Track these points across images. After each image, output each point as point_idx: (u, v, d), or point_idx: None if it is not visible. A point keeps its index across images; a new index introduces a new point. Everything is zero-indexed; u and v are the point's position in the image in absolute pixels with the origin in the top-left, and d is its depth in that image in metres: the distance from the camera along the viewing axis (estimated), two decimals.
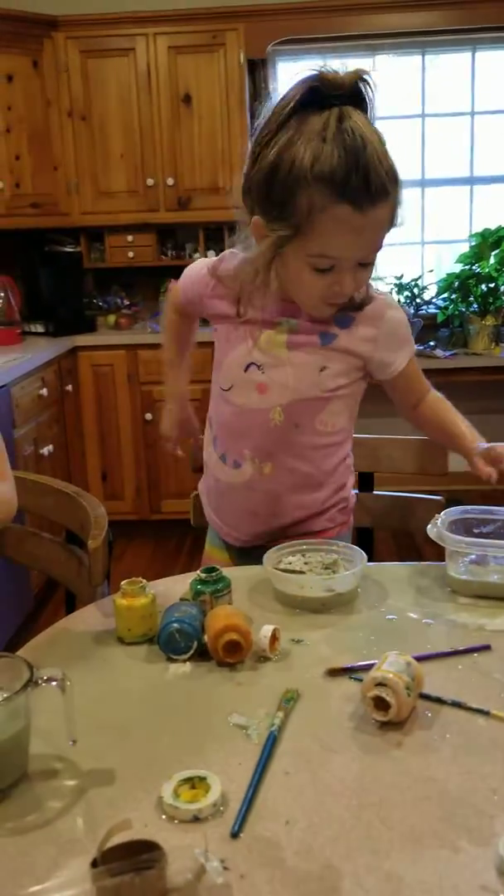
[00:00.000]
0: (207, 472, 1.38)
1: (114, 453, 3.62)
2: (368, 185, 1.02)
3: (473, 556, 1.14)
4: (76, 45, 3.49)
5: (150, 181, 3.58)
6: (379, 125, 1.07)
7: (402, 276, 3.72)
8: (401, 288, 3.70)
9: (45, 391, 3.14)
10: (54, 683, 0.77)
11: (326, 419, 1.26)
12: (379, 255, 1.13)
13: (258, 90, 3.61)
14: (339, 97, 1.03)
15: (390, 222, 1.09)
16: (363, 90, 1.05)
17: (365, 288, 1.22)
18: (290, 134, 1.03)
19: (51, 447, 3.16)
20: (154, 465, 3.60)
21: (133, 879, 0.60)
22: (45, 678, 0.77)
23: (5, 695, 0.76)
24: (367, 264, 1.11)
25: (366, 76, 1.04)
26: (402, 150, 3.77)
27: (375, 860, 0.66)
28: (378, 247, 1.11)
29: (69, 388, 3.46)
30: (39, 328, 3.63)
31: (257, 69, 3.60)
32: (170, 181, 3.57)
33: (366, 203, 1.03)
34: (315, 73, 1.03)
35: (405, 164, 3.98)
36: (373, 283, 1.25)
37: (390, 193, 1.05)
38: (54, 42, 3.49)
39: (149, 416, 3.52)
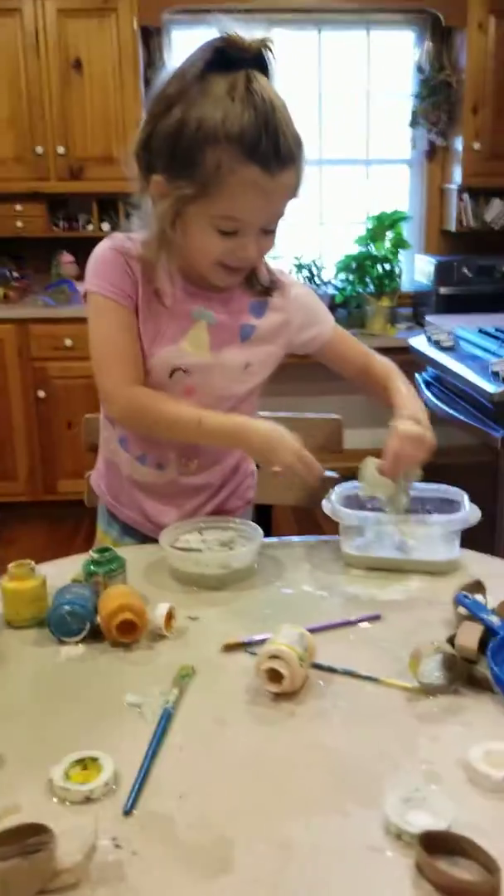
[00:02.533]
0: (114, 471, 1.31)
1: (4, 432, 3.50)
2: (278, 148, 1.01)
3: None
4: None
5: (39, 149, 3.44)
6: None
7: (301, 256, 3.75)
8: (300, 268, 3.73)
9: None
10: None
11: (243, 408, 1.26)
12: (277, 236, 1.13)
13: (153, 59, 3.53)
14: (245, 61, 1.02)
15: (294, 191, 1.09)
16: (267, 57, 1.05)
17: (264, 268, 1.22)
18: (196, 94, 1.02)
19: None
20: (48, 443, 3.51)
21: (21, 864, 0.59)
22: None
23: None
24: (270, 231, 1.11)
25: (270, 44, 1.04)
26: (300, 128, 3.76)
27: (268, 828, 0.67)
28: (282, 214, 1.10)
29: None
30: None
31: (152, 37, 3.52)
32: (60, 149, 3.44)
33: (275, 166, 1.02)
34: (222, 35, 1.02)
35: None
36: (277, 264, 1.25)
37: (297, 159, 1.05)
38: None
39: (41, 393, 3.42)
